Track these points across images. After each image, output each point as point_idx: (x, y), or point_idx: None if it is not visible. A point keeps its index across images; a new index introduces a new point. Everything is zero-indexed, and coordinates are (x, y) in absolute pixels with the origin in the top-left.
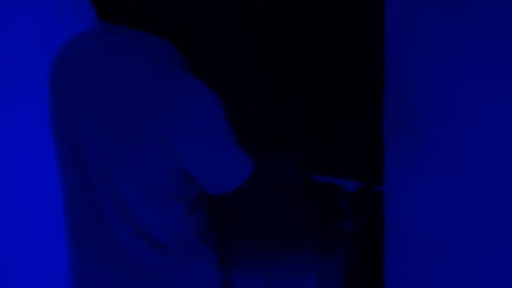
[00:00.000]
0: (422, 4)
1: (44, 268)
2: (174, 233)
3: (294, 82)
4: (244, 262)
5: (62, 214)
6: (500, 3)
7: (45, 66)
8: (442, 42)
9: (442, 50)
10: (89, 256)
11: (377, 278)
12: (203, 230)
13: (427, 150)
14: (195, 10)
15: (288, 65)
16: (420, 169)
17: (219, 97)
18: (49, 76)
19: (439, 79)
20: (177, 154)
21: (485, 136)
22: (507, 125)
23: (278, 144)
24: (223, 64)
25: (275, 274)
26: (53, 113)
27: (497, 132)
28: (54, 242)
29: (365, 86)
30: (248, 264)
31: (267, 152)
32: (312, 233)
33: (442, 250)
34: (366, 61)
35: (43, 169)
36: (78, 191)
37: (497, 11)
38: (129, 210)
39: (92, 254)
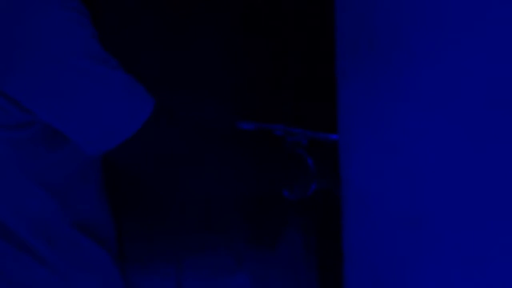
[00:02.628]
0: None
1: None
2: (36, 224)
3: None
4: (144, 254)
5: None
6: None
7: None
8: None
9: None
10: None
11: (335, 267)
12: (84, 217)
13: (401, 79)
14: None
15: None
16: (392, 108)
17: None
18: None
19: None
20: (16, 101)
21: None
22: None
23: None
24: None
25: (189, 270)
26: None
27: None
28: None
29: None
30: (150, 256)
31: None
32: (238, 212)
33: (423, 224)
34: None
35: None
36: None
37: None
38: None
39: None
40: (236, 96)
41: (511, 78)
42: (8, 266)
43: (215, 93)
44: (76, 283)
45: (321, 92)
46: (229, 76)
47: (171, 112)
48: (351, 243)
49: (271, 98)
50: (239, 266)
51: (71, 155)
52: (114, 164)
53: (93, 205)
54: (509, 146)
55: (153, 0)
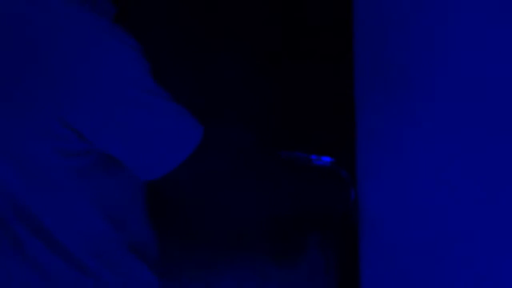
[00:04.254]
0: None
1: None
2: (94, 247)
3: None
4: (171, 274)
5: None
6: None
7: None
8: None
9: None
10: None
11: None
12: (140, 241)
13: (418, 109)
14: None
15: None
16: (408, 136)
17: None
18: None
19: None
20: (78, 131)
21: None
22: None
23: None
24: None
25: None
26: None
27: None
28: None
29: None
30: (177, 276)
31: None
32: (264, 232)
33: (440, 248)
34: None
35: None
36: None
37: None
38: (33, 214)
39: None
40: (259, 122)
41: None
42: (64, 283)
43: (240, 119)
44: None
45: (340, 120)
46: (253, 102)
47: (212, 136)
48: (368, 263)
49: (293, 125)
50: (264, 286)
51: (125, 181)
52: (158, 187)
53: (142, 228)
54: None
55: (181, 28)
